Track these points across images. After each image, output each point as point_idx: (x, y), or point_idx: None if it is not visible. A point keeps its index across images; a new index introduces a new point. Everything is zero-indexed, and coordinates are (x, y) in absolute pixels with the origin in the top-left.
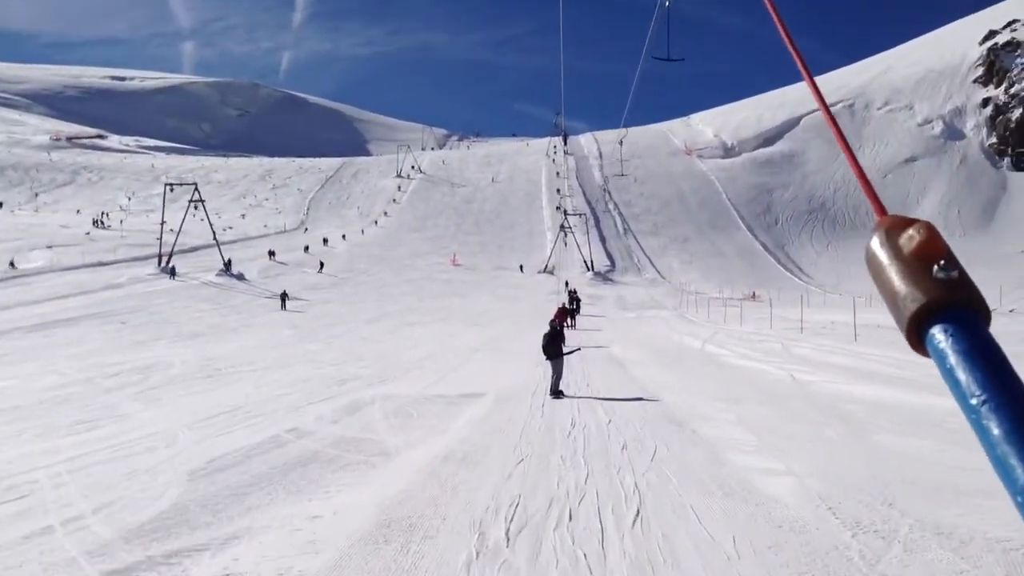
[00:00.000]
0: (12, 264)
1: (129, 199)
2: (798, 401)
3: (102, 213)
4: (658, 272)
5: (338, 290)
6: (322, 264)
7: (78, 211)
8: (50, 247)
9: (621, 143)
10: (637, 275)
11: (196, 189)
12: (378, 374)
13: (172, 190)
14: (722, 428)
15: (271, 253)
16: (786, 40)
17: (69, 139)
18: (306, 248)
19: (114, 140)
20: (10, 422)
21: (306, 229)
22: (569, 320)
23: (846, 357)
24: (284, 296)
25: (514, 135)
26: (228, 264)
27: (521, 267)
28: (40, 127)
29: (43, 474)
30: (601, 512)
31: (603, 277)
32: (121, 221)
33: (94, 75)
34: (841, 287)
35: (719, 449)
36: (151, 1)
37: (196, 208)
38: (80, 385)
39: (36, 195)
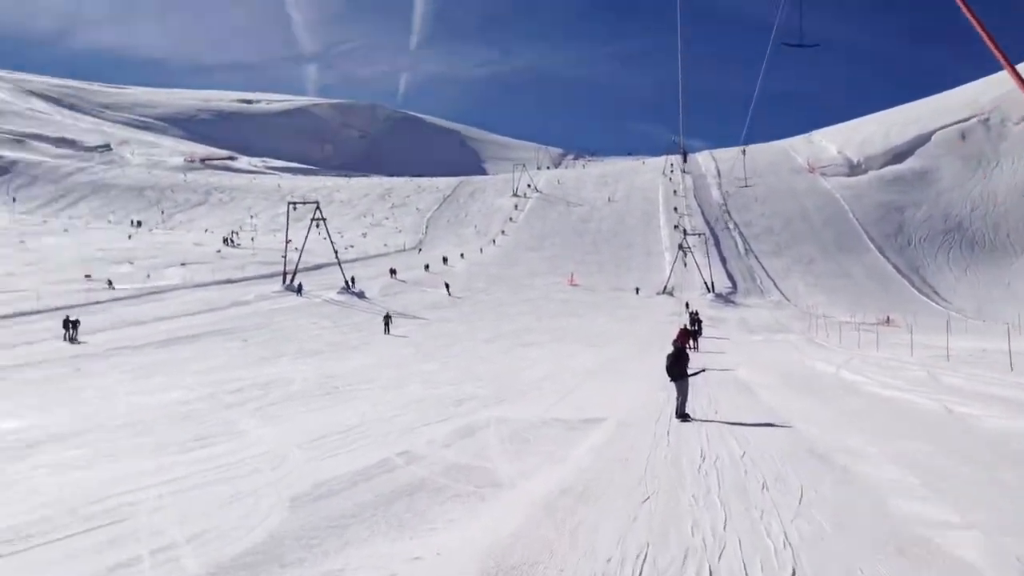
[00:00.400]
0: (148, 276)
1: (252, 218)
2: (959, 437)
3: (232, 232)
4: (782, 294)
5: (456, 309)
6: (448, 285)
7: (206, 230)
8: (183, 264)
9: (744, 152)
10: (760, 297)
11: (318, 208)
12: (494, 395)
13: (295, 209)
14: (877, 466)
15: (392, 271)
16: (980, 31)
17: (202, 160)
18: (426, 267)
19: (243, 161)
20: (131, 436)
21: (419, 250)
22: (692, 342)
23: (1006, 388)
24: (388, 319)
25: (630, 154)
26: (351, 282)
27: (637, 290)
28: (175, 149)
29: (146, 495)
30: (748, 571)
31: (724, 299)
32: (252, 239)
33: (224, 98)
34: (984, 313)
35: (879, 493)
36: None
37: (318, 227)
38: (203, 400)
39: (163, 213)
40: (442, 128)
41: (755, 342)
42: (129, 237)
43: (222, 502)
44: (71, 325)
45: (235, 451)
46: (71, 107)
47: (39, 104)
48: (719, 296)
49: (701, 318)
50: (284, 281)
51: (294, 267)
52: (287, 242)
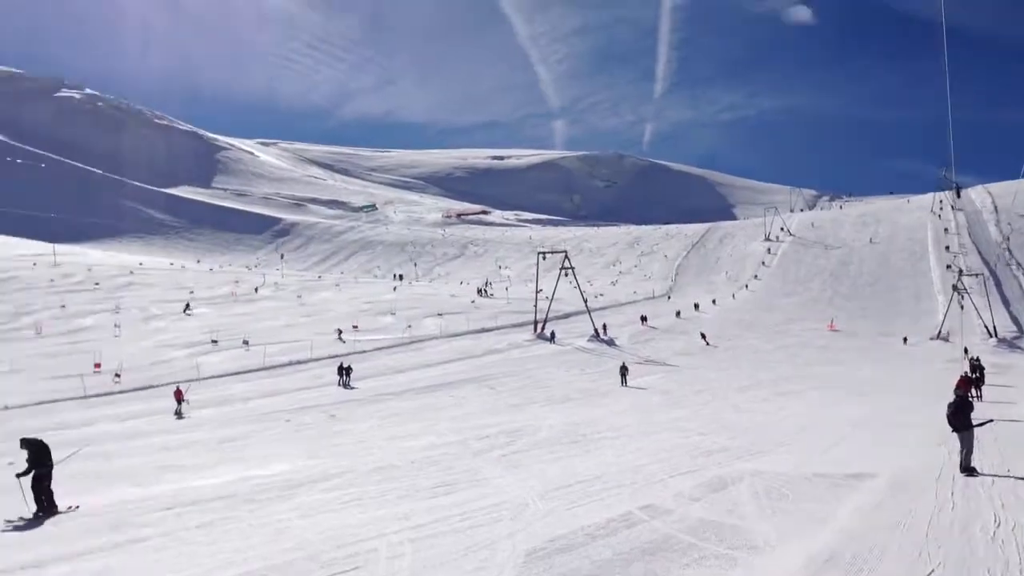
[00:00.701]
0: (409, 326)
1: (504, 269)
2: None
3: (486, 282)
4: None
5: (708, 356)
6: (704, 335)
7: (461, 282)
8: (440, 315)
9: None
10: None
11: (566, 257)
12: (748, 446)
13: (544, 258)
14: None
15: (643, 318)
16: None
17: (458, 216)
18: (677, 313)
19: (496, 215)
20: (380, 482)
21: (668, 297)
22: (975, 390)
23: None
24: (624, 371)
25: (891, 193)
26: (603, 329)
27: (905, 339)
28: (434, 206)
29: (386, 542)
30: None
31: (1009, 344)
32: (507, 288)
33: (478, 156)
34: None
35: None
36: (526, 86)
37: (567, 275)
38: (452, 447)
39: (416, 266)
40: (689, 175)
41: None
42: (394, 289)
43: (459, 552)
44: (345, 372)
45: (477, 498)
46: (343, 172)
47: (315, 170)
48: (1003, 341)
49: (983, 364)
50: (535, 330)
51: (544, 316)
52: (537, 291)
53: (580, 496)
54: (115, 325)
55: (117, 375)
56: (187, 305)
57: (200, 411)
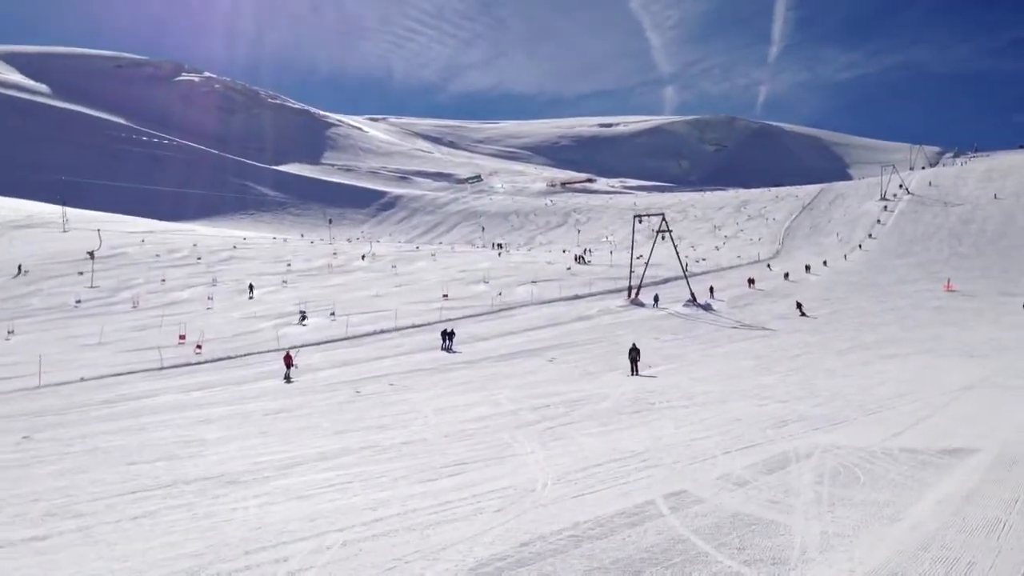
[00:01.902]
0: (499, 294)
1: (608, 237)
2: None
3: (585, 250)
4: None
5: (809, 320)
6: (800, 305)
7: (563, 250)
8: (534, 282)
9: None
10: None
11: (663, 220)
12: (831, 415)
13: (640, 221)
14: None
15: (751, 281)
16: None
17: (562, 184)
18: (786, 275)
19: (601, 183)
20: (390, 460)
21: (768, 265)
22: None
23: None
24: (633, 354)
25: (1021, 147)
26: (710, 292)
27: None
28: (539, 175)
29: (308, 547)
30: None
31: None
32: (611, 253)
33: (584, 124)
34: None
35: None
36: (637, 54)
37: (663, 239)
38: (502, 417)
39: (518, 235)
40: (803, 135)
41: None
42: (499, 256)
43: (382, 567)
44: (448, 336)
45: (480, 483)
46: (449, 144)
47: (422, 144)
48: None
49: None
50: (629, 295)
51: (639, 281)
52: (635, 257)
53: (605, 478)
54: (208, 297)
55: (199, 346)
56: (250, 287)
57: (307, 375)
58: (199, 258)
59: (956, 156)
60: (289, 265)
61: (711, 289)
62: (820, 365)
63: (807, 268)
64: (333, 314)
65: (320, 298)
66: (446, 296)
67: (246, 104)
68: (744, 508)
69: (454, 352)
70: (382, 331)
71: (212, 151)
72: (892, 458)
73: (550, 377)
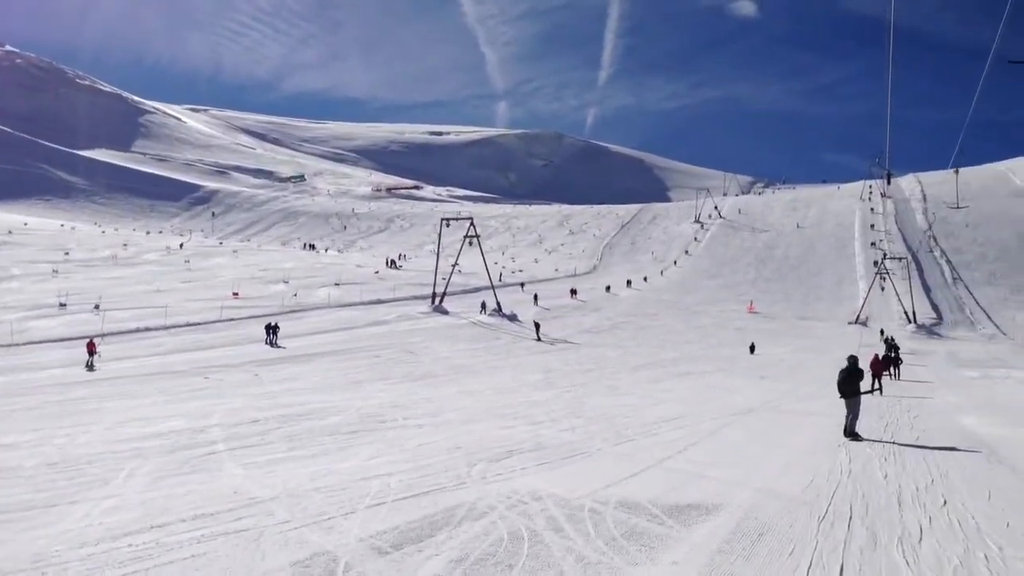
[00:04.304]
0: (295, 295)
1: (428, 245)
2: None
3: (399, 255)
4: (997, 327)
5: (615, 334)
6: (538, 325)
7: (375, 256)
8: (337, 284)
9: (957, 172)
10: (970, 329)
11: (472, 224)
12: (574, 444)
13: (448, 225)
14: None
15: (573, 291)
16: None
17: (388, 190)
18: (607, 288)
19: (428, 190)
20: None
21: (578, 276)
22: (892, 369)
23: None
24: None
25: (824, 181)
26: (534, 299)
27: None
28: (365, 179)
29: None
30: None
31: (928, 330)
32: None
33: (415, 131)
34: None
35: None
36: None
37: (471, 243)
38: (196, 434)
39: (339, 238)
40: (627, 156)
41: (972, 378)
42: (315, 256)
43: None
44: (272, 330)
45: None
46: (274, 141)
47: (245, 139)
48: (921, 327)
49: (897, 344)
50: (432, 302)
51: (443, 288)
52: (437, 260)
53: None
54: None
55: None
56: None
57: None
58: None
59: (766, 186)
60: (67, 254)
61: (535, 297)
62: (606, 381)
63: (628, 283)
64: (97, 307)
65: (91, 290)
66: (236, 294)
67: (50, 83)
68: None
69: (279, 347)
70: (148, 328)
71: (4, 128)
72: (598, 519)
73: (308, 385)
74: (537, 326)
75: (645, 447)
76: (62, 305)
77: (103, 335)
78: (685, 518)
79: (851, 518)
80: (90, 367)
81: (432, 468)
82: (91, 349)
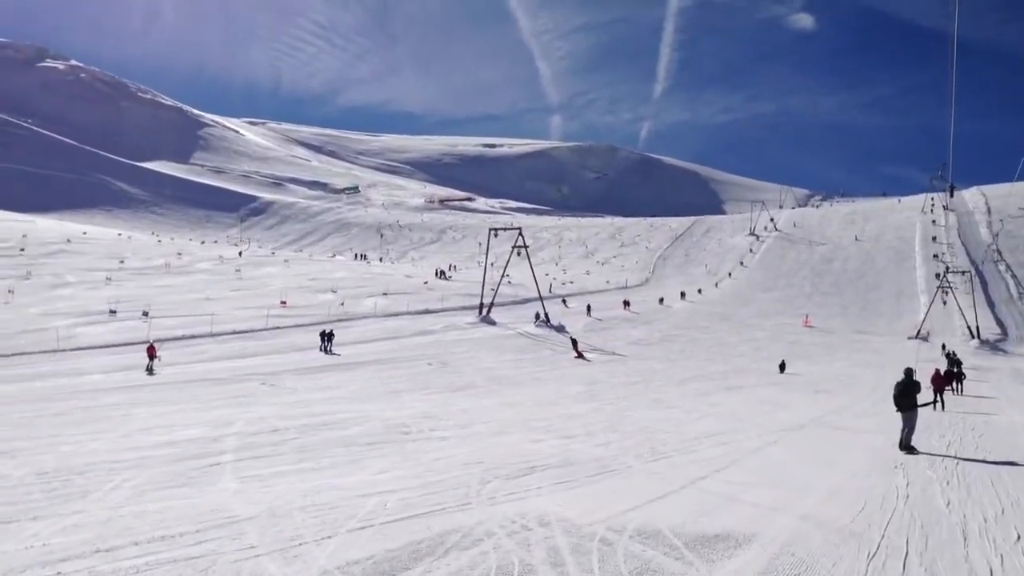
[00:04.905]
0: (342, 304)
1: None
2: None
3: (450, 265)
4: None
5: (665, 347)
6: (575, 341)
7: (424, 266)
8: (385, 294)
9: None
10: None
11: (520, 234)
12: (604, 460)
13: (497, 235)
14: None
15: (626, 303)
16: None
17: (441, 202)
18: (661, 300)
19: (481, 202)
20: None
21: (629, 288)
22: (956, 384)
23: None
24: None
25: (883, 194)
26: (587, 310)
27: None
28: (418, 191)
29: None
30: None
31: (992, 346)
32: (485, 272)
33: (469, 143)
34: None
35: None
36: (525, 81)
37: (519, 254)
38: (207, 443)
39: (387, 250)
40: (682, 169)
41: None
42: (366, 267)
43: None
44: (327, 337)
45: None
46: (329, 154)
47: (301, 152)
48: (985, 343)
49: (960, 359)
50: (480, 312)
51: (491, 299)
52: (486, 272)
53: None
54: (8, 291)
55: None
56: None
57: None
58: (22, 249)
59: (823, 199)
60: (122, 262)
61: (588, 308)
62: (651, 395)
63: (682, 295)
64: (146, 314)
65: (143, 298)
66: (283, 303)
67: (113, 96)
68: None
69: (333, 354)
70: (195, 336)
71: (69, 141)
72: (607, 551)
73: (346, 394)
74: (575, 342)
75: (680, 465)
76: (112, 312)
77: (160, 341)
78: (709, 552)
79: (907, 554)
80: (150, 371)
81: (440, 485)
82: (151, 353)
